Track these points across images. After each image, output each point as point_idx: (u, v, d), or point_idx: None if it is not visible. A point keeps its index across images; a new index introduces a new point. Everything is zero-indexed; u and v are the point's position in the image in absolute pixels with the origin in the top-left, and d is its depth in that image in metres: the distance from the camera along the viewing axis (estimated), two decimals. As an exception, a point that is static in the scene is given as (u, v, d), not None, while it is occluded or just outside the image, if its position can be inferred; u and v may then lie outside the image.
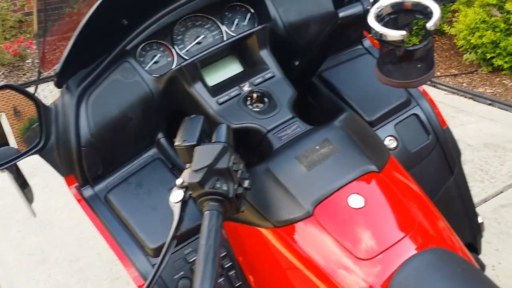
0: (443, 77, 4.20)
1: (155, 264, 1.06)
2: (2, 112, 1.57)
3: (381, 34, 0.95)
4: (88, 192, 1.16)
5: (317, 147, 1.03)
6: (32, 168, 3.45)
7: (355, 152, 1.03)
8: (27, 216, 2.88)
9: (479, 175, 2.77)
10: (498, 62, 3.97)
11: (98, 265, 2.50)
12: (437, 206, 1.09)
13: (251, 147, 1.17)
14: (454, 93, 3.90)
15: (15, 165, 1.14)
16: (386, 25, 0.98)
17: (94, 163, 1.14)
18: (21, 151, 1.13)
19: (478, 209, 2.49)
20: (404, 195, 1.00)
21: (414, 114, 1.28)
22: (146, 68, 1.18)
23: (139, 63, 1.17)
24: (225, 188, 0.87)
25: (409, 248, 0.91)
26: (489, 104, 3.62)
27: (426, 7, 0.96)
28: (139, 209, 1.11)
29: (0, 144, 1.22)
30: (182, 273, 1.08)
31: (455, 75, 4.19)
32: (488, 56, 4.01)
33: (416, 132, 1.27)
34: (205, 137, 0.96)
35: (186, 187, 0.91)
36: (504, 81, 3.94)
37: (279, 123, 1.11)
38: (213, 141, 0.94)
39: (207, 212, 0.85)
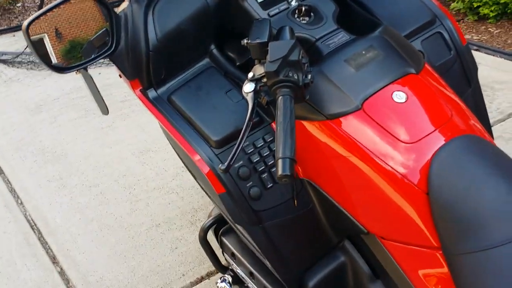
0: (432, 24, 4.36)
1: (219, 154, 1.21)
2: (45, 33, 1.68)
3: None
4: (152, 94, 1.29)
5: (363, 52, 1.18)
6: (38, 105, 3.55)
7: (396, 57, 1.18)
8: (40, 147, 3.00)
9: (470, 113, 2.98)
10: (484, 11, 4.14)
11: (117, 190, 2.65)
12: None
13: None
14: (443, 39, 4.07)
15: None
16: None
17: (159, 67, 1.27)
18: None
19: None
20: (439, 93, 1.17)
21: (438, 32, 1.43)
22: None
23: None
24: (296, 77, 1.01)
25: (446, 134, 1.08)
26: (476, 50, 3.80)
27: None
28: (201, 108, 1.25)
29: (44, 62, 1.33)
30: (241, 162, 1.23)
31: (443, 23, 4.36)
32: (475, 5, 4.17)
33: (440, 48, 1.43)
34: (272, 37, 1.10)
35: (257, 80, 1.06)
36: (490, 29, 4.13)
37: (326, 33, 1.25)
38: (281, 39, 1.08)
39: (281, 96, 1.00)
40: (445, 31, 1.44)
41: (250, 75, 1.06)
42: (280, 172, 0.91)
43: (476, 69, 1.48)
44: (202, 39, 1.32)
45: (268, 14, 1.28)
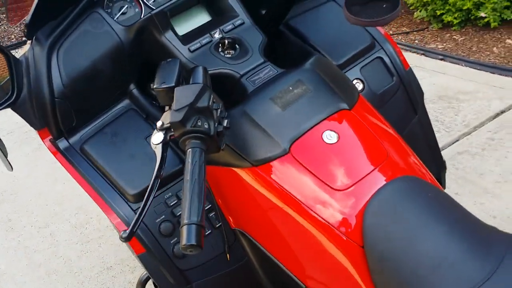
0: (395, 35, 4.30)
1: (136, 209, 1.09)
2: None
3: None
4: (63, 144, 1.17)
5: (291, 88, 1.07)
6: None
7: (327, 91, 1.07)
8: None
9: (435, 126, 2.87)
10: (448, 18, 4.08)
11: (68, 230, 2.50)
12: None
13: (226, 93, 1.20)
14: (407, 50, 4.00)
15: None
16: None
17: (68, 115, 1.14)
18: None
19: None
20: (375, 130, 1.06)
21: (379, 57, 1.34)
22: (115, 18, 1.18)
23: (108, 14, 1.17)
24: (206, 126, 0.90)
25: (381, 177, 0.97)
26: (441, 59, 3.74)
27: None
28: (117, 158, 1.13)
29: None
30: (163, 217, 1.11)
31: (407, 32, 4.30)
32: (438, 12, 4.12)
33: (381, 74, 1.33)
34: (182, 80, 0.99)
35: (166, 129, 0.94)
36: (454, 37, 4.07)
37: (251, 68, 1.14)
38: (190, 83, 0.97)
39: (190, 149, 0.88)
40: (385, 55, 1.34)
41: (159, 124, 0.94)
42: (184, 241, 0.79)
43: (421, 94, 1.38)
44: (118, 80, 1.20)
45: (189, 49, 1.16)
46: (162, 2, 1.22)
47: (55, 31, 1.12)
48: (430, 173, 1.07)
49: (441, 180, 1.48)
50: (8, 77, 1.13)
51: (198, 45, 1.17)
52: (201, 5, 1.27)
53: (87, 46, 1.14)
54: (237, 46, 1.18)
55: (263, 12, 1.30)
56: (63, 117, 1.14)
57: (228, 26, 1.20)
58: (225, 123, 0.94)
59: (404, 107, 1.35)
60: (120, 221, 1.10)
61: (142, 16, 1.20)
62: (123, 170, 1.12)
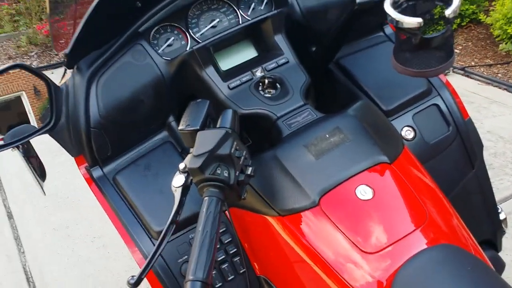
0: (478, 66, 4.07)
1: None
2: (23, 90, 1.58)
3: (397, 21, 0.92)
4: (97, 172, 1.16)
5: (327, 136, 1.00)
6: (59, 146, 3.53)
7: (366, 141, 1.00)
8: (53, 192, 2.94)
9: (510, 169, 2.68)
10: (536, 52, 3.82)
11: (119, 243, 2.52)
12: (455, 201, 1.06)
13: (263, 133, 1.15)
14: (489, 83, 3.77)
15: (28, 142, 1.15)
16: (403, 12, 0.95)
17: (103, 145, 1.14)
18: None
19: (506, 204, 2.43)
20: (416, 188, 0.97)
21: (435, 104, 1.24)
22: (159, 51, 1.17)
23: (152, 46, 1.16)
24: (226, 174, 0.85)
25: (416, 243, 0.88)
26: (519, 99, 3.49)
27: None
28: (146, 192, 1.11)
29: (21, 122, 1.22)
30: (186, 257, 1.08)
31: (490, 65, 4.06)
32: (526, 46, 3.87)
33: (436, 123, 1.23)
34: (210, 122, 0.95)
35: (188, 172, 0.90)
36: (542, 74, 3.80)
37: (289, 110, 1.09)
38: (218, 126, 0.93)
39: (206, 198, 0.84)
40: (442, 103, 1.24)
41: (181, 166, 0.91)
42: None
43: (481, 147, 1.27)
44: (157, 112, 1.18)
45: (228, 87, 1.13)
46: (209, 36, 1.20)
47: (97, 61, 1.12)
48: (475, 241, 0.97)
49: (497, 242, 1.34)
50: (49, 105, 1.14)
51: (238, 82, 1.13)
52: (248, 41, 1.24)
53: (127, 77, 1.13)
54: (278, 86, 1.14)
55: (313, 49, 1.25)
56: (98, 147, 1.13)
57: (271, 65, 1.16)
58: (249, 171, 0.89)
59: (459, 160, 1.24)
60: (141, 257, 1.07)
61: (187, 49, 1.18)
62: (151, 205, 1.10)
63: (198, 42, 1.19)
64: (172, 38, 1.20)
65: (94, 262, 2.45)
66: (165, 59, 1.15)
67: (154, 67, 1.14)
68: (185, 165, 0.90)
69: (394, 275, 0.85)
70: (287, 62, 1.16)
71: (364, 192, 0.94)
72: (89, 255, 2.50)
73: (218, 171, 0.85)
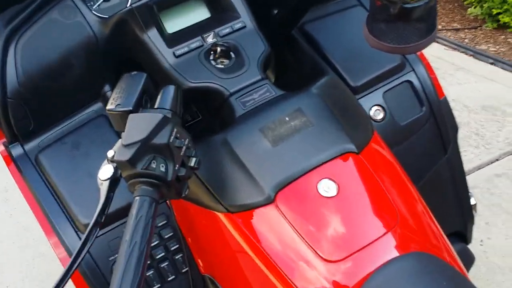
0: (445, 30, 3.96)
1: None
2: None
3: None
4: (17, 150, 0.99)
5: (287, 119, 0.86)
6: None
7: (332, 126, 0.86)
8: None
9: (474, 140, 2.60)
10: (504, 19, 3.72)
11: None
12: (424, 189, 0.95)
13: (213, 110, 1.00)
14: (455, 49, 3.67)
15: None
16: None
17: (24, 118, 0.96)
18: None
19: (470, 177, 2.36)
20: (386, 183, 0.85)
21: (407, 81, 1.11)
22: (94, 7, 0.98)
23: (84, 1, 0.97)
24: (162, 169, 0.70)
25: (386, 251, 0.77)
26: (491, 63, 3.40)
27: None
28: (73, 175, 0.95)
29: None
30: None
31: (457, 29, 3.95)
32: (495, 11, 3.75)
33: (408, 102, 1.10)
34: (147, 100, 0.79)
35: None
36: (510, 40, 3.72)
37: (245, 85, 0.93)
38: (156, 106, 0.77)
39: (137, 198, 0.69)
40: (416, 79, 1.11)
41: (110, 153, 0.75)
42: None
43: (455, 129, 1.15)
44: (89, 80, 1.00)
45: (174, 54, 0.96)
46: None
47: (17, 18, 0.93)
48: (449, 245, 0.85)
49: (467, 234, 1.25)
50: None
51: (186, 49, 0.96)
52: None
53: (53, 38, 0.95)
54: (232, 55, 0.97)
55: (275, 12, 1.09)
56: (17, 120, 0.96)
57: (225, 29, 0.99)
58: (192, 162, 0.74)
59: (432, 144, 1.12)
60: (65, 254, 0.92)
61: (128, 5, 1.00)
62: (78, 192, 0.94)
63: None
64: None
65: (33, 231, 2.27)
66: (99, 17, 0.97)
67: (86, 26, 0.96)
68: (115, 152, 0.74)
69: None
70: (244, 27, 1.00)
71: (327, 188, 0.81)
72: (29, 224, 2.31)
73: (153, 165, 0.70)
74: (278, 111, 0.87)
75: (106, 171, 0.74)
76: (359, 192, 0.82)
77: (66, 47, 0.95)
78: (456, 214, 1.19)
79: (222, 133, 0.86)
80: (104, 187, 0.74)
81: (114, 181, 0.74)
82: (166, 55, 0.95)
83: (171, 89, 0.78)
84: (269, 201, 0.80)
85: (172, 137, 0.71)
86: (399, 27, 0.81)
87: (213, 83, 0.93)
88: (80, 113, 1.02)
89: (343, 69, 1.07)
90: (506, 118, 2.77)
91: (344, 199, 0.80)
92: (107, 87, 1.03)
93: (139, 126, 0.71)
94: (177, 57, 0.95)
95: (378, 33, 0.83)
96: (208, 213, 0.86)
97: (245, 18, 1.00)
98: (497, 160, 2.47)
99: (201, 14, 1.04)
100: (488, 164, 2.45)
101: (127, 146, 0.69)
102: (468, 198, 1.22)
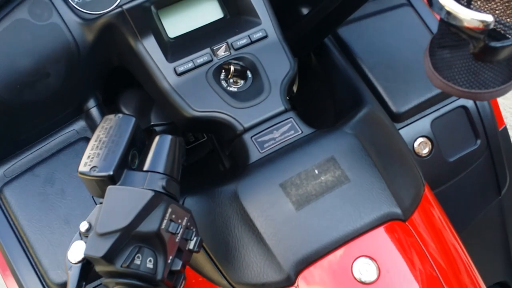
0: None
1: None
2: None
3: (447, 12, 0.55)
4: None
5: (316, 172, 0.67)
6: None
7: (373, 183, 0.68)
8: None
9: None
10: None
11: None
12: (470, 235, 0.77)
13: (224, 141, 0.81)
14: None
15: None
16: None
17: None
18: None
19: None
20: (436, 255, 0.67)
21: (462, 106, 0.90)
22: (74, 3, 0.77)
23: None
24: (149, 265, 0.52)
25: None
26: None
27: None
28: (45, 218, 0.77)
29: None
30: None
31: None
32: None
33: (461, 133, 0.90)
34: (135, 155, 0.59)
35: None
36: None
37: (263, 119, 0.73)
38: (145, 169, 0.57)
39: None
40: (473, 105, 0.90)
41: (84, 226, 0.56)
42: None
43: None
44: (68, 92, 0.80)
45: (175, 71, 0.75)
46: None
47: None
48: None
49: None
50: None
51: (191, 65, 0.76)
52: None
53: (20, 44, 0.74)
54: (249, 75, 0.77)
55: (305, 14, 0.87)
56: None
57: (241, 40, 0.78)
58: (191, 245, 0.56)
59: (484, 183, 0.93)
60: None
61: (116, 4, 0.78)
62: (50, 241, 0.76)
63: None
64: None
65: None
66: (81, 18, 0.76)
67: (63, 29, 0.75)
68: (89, 225, 0.55)
69: None
70: (265, 36, 0.78)
71: (364, 270, 0.63)
72: None
73: (137, 261, 0.51)
74: (306, 160, 0.68)
75: (77, 250, 0.56)
76: (405, 275, 0.64)
77: (38, 54, 0.75)
78: (502, 264, 1.01)
79: (232, 182, 0.67)
80: (73, 273, 0.55)
81: (87, 265, 0.56)
82: (165, 71, 0.75)
83: (166, 141, 0.58)
84: (289, 283, 0.63)
85: (165, 221, 0.52)
86: (476, 67, 0.60)
87: (223, 113, 0.73)
88: (57, 133, 0.82)
89: (385, 90, 0.87)
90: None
91: (386, 285, 0.62)
92: (91, 102, 0.82)
93: (120, 206, 0.52)
94: (179, 75, 0.75)
95: (446, 70, 0.63)
96: (209, 285, 0.68)
97: (267, 24, 0.79)
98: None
99: (212, 13, 0.83)
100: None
101: (102, 236, 0.50)
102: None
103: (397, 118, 0.87)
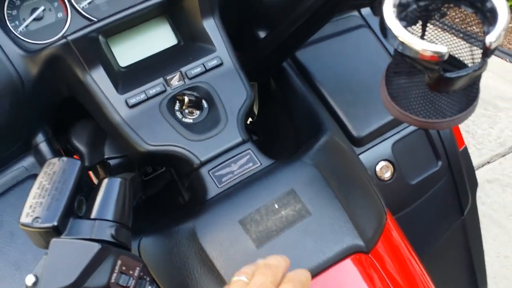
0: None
1: None
2: None
3: (401, 43, 0.53)
4: None
5: (276, 206, 0.65)
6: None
7: (334, 215, 0.65)
8: None
9: (465, 138, 2.42)
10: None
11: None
12: (434, 257, 0.76)
13: (182, 175, 0.78)
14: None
15: None
16: (411, 22, 0.57)
17: None
18: None
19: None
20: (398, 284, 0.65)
21: (422, 128, 0.89)
22: (18, 29, 0.73)
23: (4, 21, 0.73)
24: None
25: None
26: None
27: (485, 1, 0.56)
28: None
29: None
30: None
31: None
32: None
33: (421, 155, 0.90)
34: (82, 201, 0.56)
35: None
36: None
37: (220, 151, 0.71)
38: (92, 216, 0.54)
39: None
40: None
41: (30, 280, 0.52)
42: None
43: (475, 186, 0.95)
44: (13, 129, 0.76)
45: (127, 103, 0.72)
46: (102, 8, 0.78)
47: None
48: None
49: None
50: None
51: (143, 96, 0.73)
52: (164, 19, 0.81)
53: None
54: (204, 105, 0.74)
55: (261, 37, 0.85)
56: None
57: (195, 68, 0.75)
58: None
59: (446, 204, 0.93)
60: None
61: (65, 29, 0.75)
62: None
63: (85, 18, 0.77)
64: (42, 7, 0.76)
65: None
66: (24, 50, 0.72)
67: (5, 62, 0.71)
68: (36, 279, 0.52)
69: None
70: (221, 64, 0.76)
71: None
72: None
73: None
74: (265, 195, 0.65)
75: None
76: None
77: None
78: (467, 284, 1.01)
79: (190, 219, 0.65)
80: None
81: None
82: (116, 104, 0.72)
83: (115, 185, 0.55)
84: None
85: (115, 274, 0.49)
86: (433, 96, 0.59)
87: (179, 146, 0.70)
88: (4, 171, 0.78)
89: (345, 115, 0.86)
90: (498, 113, 2.57)
91: None
92: (40, 137, 0.78)
93: (65, 261, 0.48)
94: (130, 107, 0.72)
95: (402, 99, 0.61)
96: None
97: (221, 51, 0.77)
98: (488, 162, 2.30)
99: (165, 40, 0.80)
100: (479, 168, 2.26)
101: None
102: (484, 265, 1.03)
103: (358, 142, 0.86)
